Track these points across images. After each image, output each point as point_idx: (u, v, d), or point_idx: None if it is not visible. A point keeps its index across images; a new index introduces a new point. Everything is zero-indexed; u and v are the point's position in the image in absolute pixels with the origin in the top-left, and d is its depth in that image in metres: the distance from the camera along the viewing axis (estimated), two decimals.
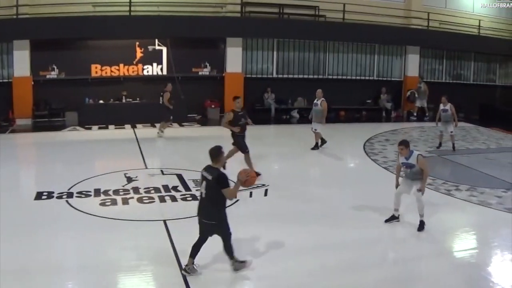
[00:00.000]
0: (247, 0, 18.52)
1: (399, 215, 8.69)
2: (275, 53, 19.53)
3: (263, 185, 10.32)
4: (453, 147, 14.47)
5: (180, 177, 10.76)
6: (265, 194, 9.96)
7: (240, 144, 10.86)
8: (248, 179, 6.34)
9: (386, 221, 8.64)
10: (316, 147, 13.80)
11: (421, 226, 8.32)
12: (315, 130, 13.76)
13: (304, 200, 9.87)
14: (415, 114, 20.59)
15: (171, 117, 14.83)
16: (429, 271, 7.37)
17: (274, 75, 19.67)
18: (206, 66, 18.15)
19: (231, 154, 10.85)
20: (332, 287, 6.58)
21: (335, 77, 20.47)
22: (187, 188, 10.03)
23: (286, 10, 19.15)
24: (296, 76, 19.79)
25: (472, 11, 23.06)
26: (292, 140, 15.89)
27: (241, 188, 6.39)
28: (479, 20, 22.52)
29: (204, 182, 6.24)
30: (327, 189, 10.90)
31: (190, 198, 9.43)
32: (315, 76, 20.07)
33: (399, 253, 7.91)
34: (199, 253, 6.41)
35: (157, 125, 15.35)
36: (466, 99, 21.83)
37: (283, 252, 7.34)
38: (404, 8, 21.30)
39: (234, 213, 8.35)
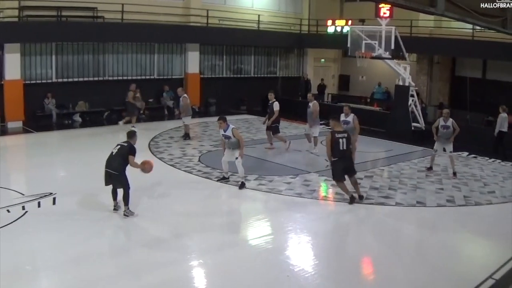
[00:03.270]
0: (24, 4, 23.72)
1: (229, 176, 14.80)
2: (54, 57, 25.46)
3: (51, 193, 13.38)
4: None
5: None
6: (54, 203, 12.88)
7: None
8: (146, 165, 12.32)
9: (218, 180, 14.75)
10: (186, 137, 21.72)
11: (242, 185, 14.18)
12: (184, 122, 21.99)
13: (93, 204, 12.83)
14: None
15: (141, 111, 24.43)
16: (226, 261, 10.03)
17: (54, 80, 25.49)
18: None
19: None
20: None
21: (115, 78, 27.50)
22: None
23: (64, 13, 24.97)
24: (76, 79, 26.07)
25: (251, 6, 32.43)
26: (75, 145, 21.07)
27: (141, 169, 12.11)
28: (258, 15, 31.76)
29: (119, 146, 12.08)
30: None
31: None
32: (95, 78, 26.73)
33: (196, 247, 10.66)
34: None
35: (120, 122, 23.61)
36: (248, 92, 31.14)
37: (78, 258, 9.71)
38: (183, 6, 29.41)
39: (26, 224, 11.42)
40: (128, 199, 12.10)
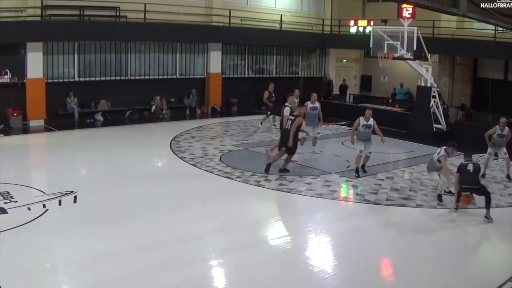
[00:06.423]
0: (47, 3, 23.93)
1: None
2: (76, 56, 25.60)
3: (72, 192, 13.45)
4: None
5: None
6: (74, 201, 12.95)
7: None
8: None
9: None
10: None
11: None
12: None
13: (114, 203, 13.02)
14: None
15: (269, 113, 24.50)
16: (245, 261, 10.10)
17: (76, 79, 25.65)
18: (6, 74, 23.34)
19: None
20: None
21: (137, 77, 27.67)
22: None
23: (87, 12, 25.14)
24: (98, 78, 26.22)
25: (274, 6, 32.50)
26: (96, 144, 21.21)
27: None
28: (281, 15, 31.82)
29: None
30: (136, 190, 14.12)
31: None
32: (117, 78, 26.91)
33: (216, 247, 10.83)
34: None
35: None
36: None
37: (98, 256, 9.86)
38: (206, 6, 29.49)
39: (46, 222, 11.54)
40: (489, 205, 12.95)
